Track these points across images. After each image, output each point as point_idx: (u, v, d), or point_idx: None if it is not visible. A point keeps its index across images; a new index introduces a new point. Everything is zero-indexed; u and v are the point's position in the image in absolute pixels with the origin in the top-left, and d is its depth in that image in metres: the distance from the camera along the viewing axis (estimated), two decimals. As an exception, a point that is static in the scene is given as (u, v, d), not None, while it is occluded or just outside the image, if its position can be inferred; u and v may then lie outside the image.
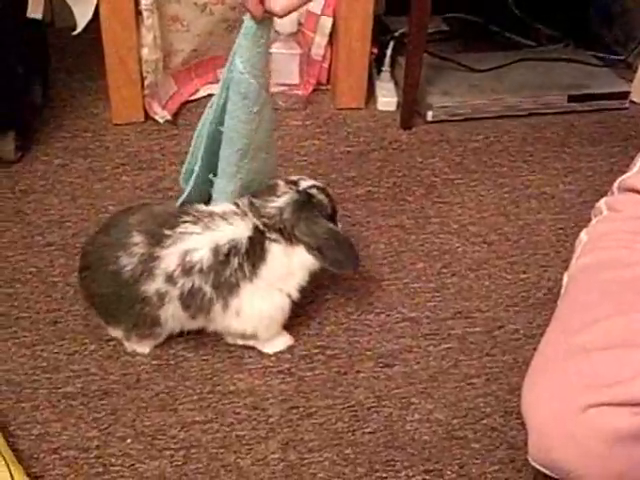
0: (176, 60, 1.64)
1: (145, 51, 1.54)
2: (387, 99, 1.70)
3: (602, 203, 1.19)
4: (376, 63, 1.75)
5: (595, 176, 1.56)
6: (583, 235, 1.15)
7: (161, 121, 1.60)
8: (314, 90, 1.72)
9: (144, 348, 1.18)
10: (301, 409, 1.12)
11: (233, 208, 1.13)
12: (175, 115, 1.64)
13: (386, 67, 1.73)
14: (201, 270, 1.09)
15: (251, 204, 1.12)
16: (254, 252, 1.11)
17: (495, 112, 1.70)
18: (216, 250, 1.09)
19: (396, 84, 1.73)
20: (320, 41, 1.67)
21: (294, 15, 1.61)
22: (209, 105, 1.13)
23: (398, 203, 1.47)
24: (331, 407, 1.13)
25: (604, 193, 1.28)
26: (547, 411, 0.90)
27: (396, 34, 1.76)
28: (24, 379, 1.14)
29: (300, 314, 1.25)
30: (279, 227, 1.11)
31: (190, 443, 1.07)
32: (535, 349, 1.03)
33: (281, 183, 1.14)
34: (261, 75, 1.07)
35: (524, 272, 1.35)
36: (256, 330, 1.16)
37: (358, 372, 1.17)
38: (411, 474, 1.05)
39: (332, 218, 1.16)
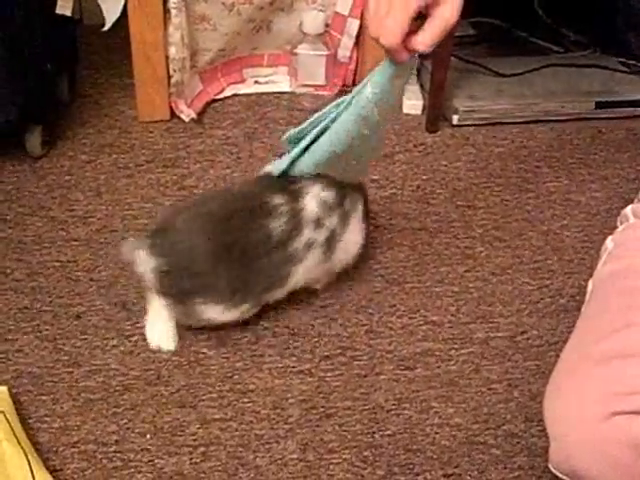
0: (203, 59, 1.64)
1: (172, 49, 1.55)
2: (413, 102, 1.70)
3: (629, 210, 1.17)
4: (402, 66, 1.74)
5: (622, 183, 1.54)
6: (609, 242, 1.14)
7: (186, 119, 1.61)
8: (340, 91, 1.72)
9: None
10: (321, 410, 1.12)
11: None
12: (200, 114, 1.64)
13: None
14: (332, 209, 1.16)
15: None
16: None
17: (521, 117, 1.69)
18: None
19: (422, 87, 1.73)
20: (347, 43, 1.67)
21: (321, 16, 1.63)
22: (338, 101, 1.11)
23: (422, 206, 1.46)
24: (351, 408, 1.12)
25: (630, 200, 1.27)
26: (570, 418, 0.89)
27: (423, 37, 1.75)
28: (45, 372, 1.14)
29: (322, 315, 1.24)
30: None
31: (209, 440, 1.07)
32: (558, 356, 1.01)
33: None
34: (386, 109, 1.06)
35: (548, 278, 1.34)
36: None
37: (378, 374, 1.17)
38: (430, 478, 1.05)
39: None
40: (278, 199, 1.12)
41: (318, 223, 1.15)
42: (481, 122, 1.67)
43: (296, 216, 1.13)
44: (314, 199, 1.15)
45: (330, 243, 1.18)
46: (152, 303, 1.18)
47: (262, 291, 1.15)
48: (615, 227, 1.18)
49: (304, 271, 1.16)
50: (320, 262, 1.18)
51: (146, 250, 1.09)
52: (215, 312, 1.12)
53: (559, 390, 0.94)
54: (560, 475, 0.93)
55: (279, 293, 1.18)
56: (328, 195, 1.16)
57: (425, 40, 0.91)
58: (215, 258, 1.09)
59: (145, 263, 1.10)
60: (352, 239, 1.23)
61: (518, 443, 1.09)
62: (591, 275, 1.12)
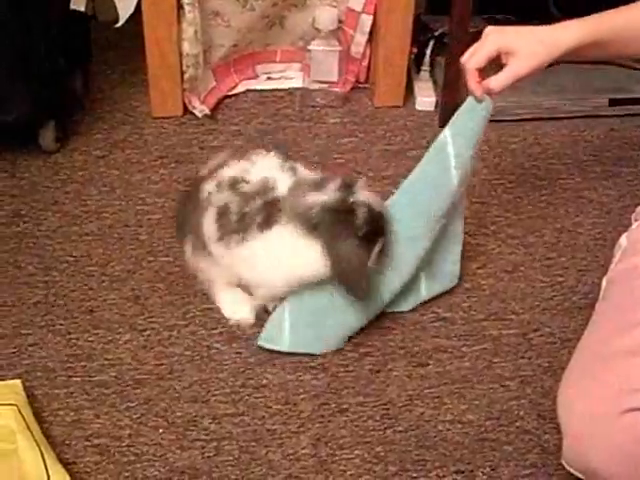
0: (216, 55, 1.64)
1: (186, 45, 1.55)
2: (426, 98, 1.69)
3: (643, 207, 1.17)
4: (415, 62, 1.74)
5: (635, 181, 1.53)
6: (623, 239, 1.14)
7: (199, 115, 1.61)
8: (353, 88, 1.72)
9: None
10: (333, 405, 1.12)
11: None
12: (213, 110, 1.64)
13: (425, 66, 1.72)
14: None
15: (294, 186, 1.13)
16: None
17: (535, 114, 1.68)
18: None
19: (435, 83, 1.72)
20: (360, 39, 1.67)
21: (334, 12, 1.63)
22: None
23: (434, 203, 1.46)
24: (363, 404, 1.12)
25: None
26: (584, 414, 0.89)
27: (436, 33, 1.75)
28: (59, 366, 1.15)
29: (334, 311, 1.24)
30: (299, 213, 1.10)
31: (221, 435, 1.08)
32: (570, 353, 1.02)
33: (337, 181, 1.12)
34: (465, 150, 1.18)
35: (561, 275, 1.34)
36: None
37: (391, 370, 1.17)
38: (442, 474, 1.04)
39: (367, 239, 1.11)
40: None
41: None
42: (494, 119, 1.66)
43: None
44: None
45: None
46: (220, 284, 1.22)
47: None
48: (629, 224, 1.18)
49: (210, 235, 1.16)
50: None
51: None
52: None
53: (573, 386, 0.94)
54: (573, 471, 0.94)
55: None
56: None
57: (495, 82, 1.11)
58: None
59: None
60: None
61: (530, 440, 1.09)
62: (605, 272, 1.12)
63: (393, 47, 1.63)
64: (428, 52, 1.72)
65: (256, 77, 1.73)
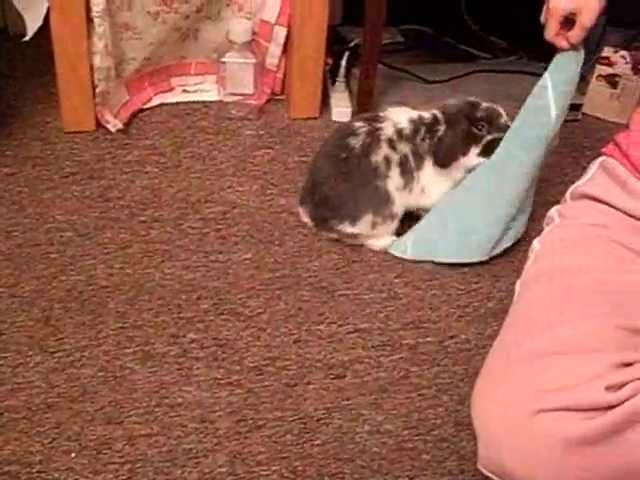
0: (128, 68, 1.62)
1: (96, 59, 1.52)
2: (341, 109, 1.70)
3: (554, 211, 1.19)
4: (331, 73, 1.75)
5: (547, 187, 1.56)
6: (536, 243, 1.16)
7: (113, 130, 1.58)
8: (268, 100, 1.71)
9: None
10: (250, 421, 1.11)
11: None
12: (127, 124, 1.61)
13: (341, 77, 1.73)
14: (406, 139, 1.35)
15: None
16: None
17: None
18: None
19: (351, 94, 1.73)
20: (274, 51, 1.66)
21: (248, 24, 1.62)
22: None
23: (351, 213, 1.46)
24: (280, 419, 1.11)
25: (557, 203, 1.29)
26: (496, 417, 0.90)
27: (351, 45, 1.76)
28: (-35, 392, 1.11)
29: (250, 325, 1.23)
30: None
31: (135, 457, 1.05)
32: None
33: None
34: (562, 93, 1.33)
35: (476, 282, 1.35)
36: None
37: (308, 383, 1.16)
38: (360, 486, 1.04)
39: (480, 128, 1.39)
40: (360, 124, 1.35)
41: (392, 144, 1.33)
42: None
43: (373, 134, 1.33)
44: (391, 125, 1.35)
45: (405, 168, 1.34)
46: None
47: (374, 207, 1.34)
48: (542, 229, 1.20)
49: (395, 189, 1.34)
50: (402, 188, 1.35)
51: (300, 204, 1.42)
52: (347, 227, 1.36)
53: (485, 390, 0.95)
54: (489, 475, 0.94)
55: (389, 208, 1.35)
56: (405, 126, 1.36)
57: (572, 38, 1.26)
58: (331, 189, 1.35)
59: (302, 213, 1.42)
60: (428, 183, 1.37)
61: (448, 447, 1.10)
62: (519, 277, 1.13)
63: (308, 58, 1.63)
64: (343, 63, 1.72)
65: (171, 90, 1.71)
